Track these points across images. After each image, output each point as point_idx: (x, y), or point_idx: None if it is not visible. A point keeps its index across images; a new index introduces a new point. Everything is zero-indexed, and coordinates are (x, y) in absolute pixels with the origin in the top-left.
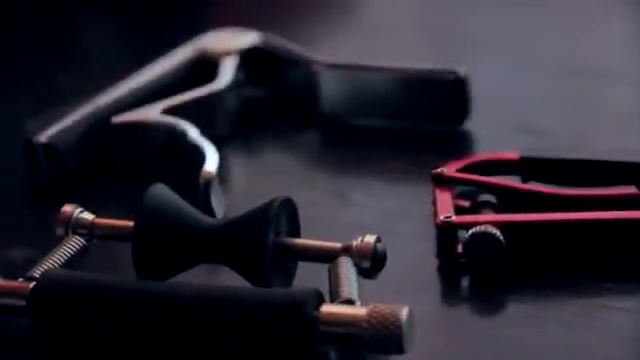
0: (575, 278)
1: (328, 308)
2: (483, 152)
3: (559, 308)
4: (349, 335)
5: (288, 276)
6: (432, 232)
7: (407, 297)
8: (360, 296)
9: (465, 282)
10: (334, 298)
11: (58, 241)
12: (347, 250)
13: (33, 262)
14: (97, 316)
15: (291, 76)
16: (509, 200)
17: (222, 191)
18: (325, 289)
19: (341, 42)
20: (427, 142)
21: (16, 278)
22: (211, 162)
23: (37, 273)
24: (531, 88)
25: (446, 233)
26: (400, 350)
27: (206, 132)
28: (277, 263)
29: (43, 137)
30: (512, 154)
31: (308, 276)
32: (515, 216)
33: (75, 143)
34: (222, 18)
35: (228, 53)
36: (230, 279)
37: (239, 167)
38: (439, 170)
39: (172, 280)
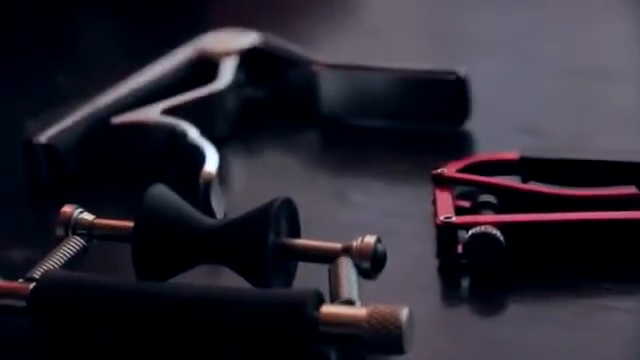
0: (575, 278)
1: (328, 309)
2: (483, 152)
3: (559, 308)
4: (349, 335)
5: (288, 276)
6: (432, 232)
7: (407, 297)
8: (360, 296)
9: (465, 282)
10: (334, 298)
11: (58, 242)
12: (347, 250)
13: (33, 263)
14: (97, 317)
15: (291, 76)
16: (509, 200)
17: (222, 191)
18: (325, 290)
19: (341, 42)
20: (427, 142)
21: (16, 279)
22: (211, 162)
23: (37, 274)
24: (531, 88)
25: (446, 233)
26: (400, 350)
27: (206, 132)
28: (277, 263)
29: (43, 137)
30: (512, 154)
31: (308, 276)
32: (515, 216)
33: (75, 143)
34: (222, 18)
35: (228, 53)
36: (230, 280)
37: (239, 167)
38: (439, 170)
39: (172, 281)
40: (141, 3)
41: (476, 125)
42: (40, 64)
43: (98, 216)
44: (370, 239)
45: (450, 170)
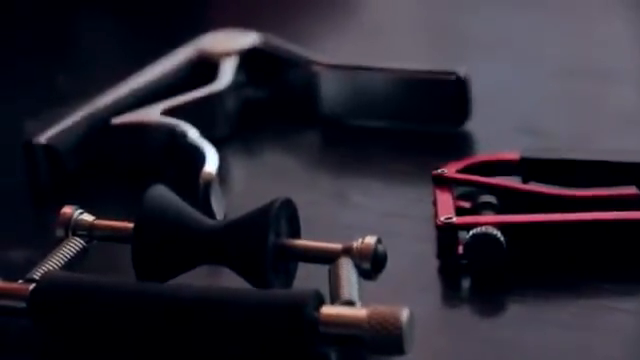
0: (575, 279)
1: (328, 309)
2: (483, 153)
3: (559, 309)
4: (349, 336)
5: (288, 277)
6: (433, 233)
7: (407, 298)
8: (360, 297)
9: (466, 283)
10: (334, 299)
11: (58, 242)
12: (347, 251)
13: (33, 263)
14: (97, 318)
15: (291, 77)
16: (510, 201)
17: (222, 192)
18: (325, 290)
19: (341, 42)
20: (427, 143)
21: (16, 280)
22: (211, 163)
23: (37, 275)
24: (531, 89)
25: (447, 234)
26: (400, 351)
27: (206, 133)
28: (277, 264)
29: (43, 138)
30: (512, 155)
31: (308, 277)
32: (516, 217)
33: (75, 144)
34: (222, 19)
35: (228, 54)
36: (230, 280)
37: (239, 168)
38: (440, 171)
39: (172, 281)
40: (141, 3)
41: (476, 125)
42: (40, 64)
43: (98, 217)
44: (370, 240)
45: (450, 170)
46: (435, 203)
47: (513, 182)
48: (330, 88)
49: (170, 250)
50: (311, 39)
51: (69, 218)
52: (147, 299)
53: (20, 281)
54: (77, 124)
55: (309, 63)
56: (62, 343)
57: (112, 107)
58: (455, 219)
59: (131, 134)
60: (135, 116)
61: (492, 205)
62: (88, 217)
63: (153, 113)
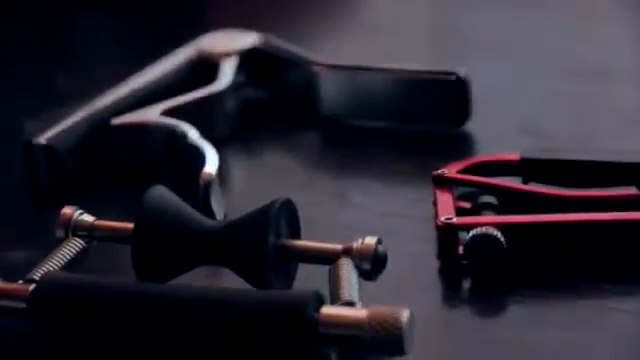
0: (576, 279)
1: (328, 310)
2: (484, 153)
3: (559, 309)
4: (350, 337)
5: (288, 278)
6: (433, 233)
7: (408, 299)
8: (361, 298)
9: (466, 283)
10: (335, 300)
11: (58, 243)
12: (348, 252)
13: (33, 264)
14: (97, 318)
15: (291, 77)
16: (510, 201)
17: (222, 193)
18: (325, 291)
19: (342, 42)
20: (428, 143)
21: (16, 280)
22: (211, 164)
23: (37, 275)
24: (532, 89)
25: (447, 234)
26: (401, 352)
27: (206, 133)
28: (277, 265)
29: (43, 138)
30: (513, 155)
31: (308, 278)
32: (516, 217)
33: (75, 144)
34: (222, 19)
35: (228, 54)
36: (230, 281)
37: (239, 168)
38: (440, 171)
39: (172, 282)
40: (141, 3)
41: (477, 126)
42: (40, 64)
43: (98, 217)
44: (371, 240)
45: (451, 171)
46: (435, 203)
47: (513, 182)
48: (330, 88)
49: (170, 250)
50: (311, 39)
51: (69, 218)
52: (147, 299)
53: (20, 281)
54: (77, 124)
55: (309, 63)
56: (62, 343)
57: (112, 107)
58: (455, 219)
59: (131, 134)
60: (135, 116)
61: (492, 205)
62: (88, 217)
63: (153, 113)
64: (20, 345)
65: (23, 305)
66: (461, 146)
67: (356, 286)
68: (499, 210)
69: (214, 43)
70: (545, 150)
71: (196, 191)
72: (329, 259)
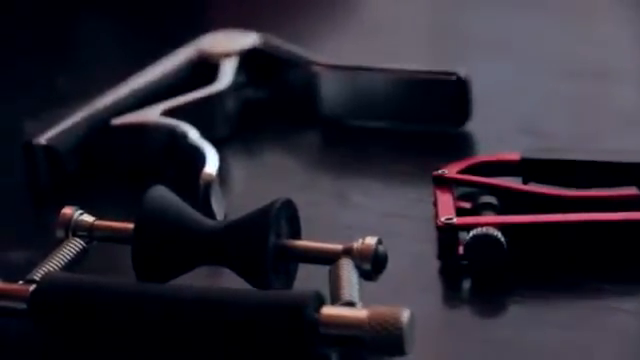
0: (576, 279)
1: (329, 310)
2: (484, 153)
3: (559, 309)
4: (350, 337)
5: (289, 278)
6: (433, 234)
7: (408, 299)
8: (361, 298)
9: (466, 284)
10: (335, 300)
11: (58, 243)
12: (348, 252)
13: (33, 264)
14: (97, 319)
15: (291, 77)
16: (510, 201)
17: (222, 193)
18: (326, 291)
19: (342, 42)
20: (428, 143)
21: (16, 281)
22: (211, 164)
23: (37, 275)
24: (532, 89)
25: (447, 235)
26: (401, 352)
27: (206, 134)
28: (278, 265)
29: (43, 139)
30: (513, 155)
31: (309, 278)
32: (516, 217)
33: (75, 145)
34: (222, 19)
35: (228, 54)
36: (230, 281)
37: (239, 169)
38: (440, 171)
39: (172, 282)
40: (141, 4)
41: (477, 126)
42: (40, 64)
43: (98, 218)
44: (371, 240)
45: (451, 171)
46: (435, 203)
47: (513, 183)
48: (330, 88)
49: (170, 251)
50: (311, 39)
51: (69, 219)
52: (147, 300)
53: (20, 282)
54: (77, 125)
55: (309, 63)
56: (62, 344)
57: (112, 108)
58: (455, 220)
59: (131, 135)
60: (135, 117)
61: (492, 206)
62: (88, 218)
63: (153, 114)
64: (20, 345)
65: (23, 305)
66: (461, 146)
67: (356, 286)
68: (499, 210)
69: (214, 43)
70: (545, 150)
71: (196, 191)
72: (329, 259)
